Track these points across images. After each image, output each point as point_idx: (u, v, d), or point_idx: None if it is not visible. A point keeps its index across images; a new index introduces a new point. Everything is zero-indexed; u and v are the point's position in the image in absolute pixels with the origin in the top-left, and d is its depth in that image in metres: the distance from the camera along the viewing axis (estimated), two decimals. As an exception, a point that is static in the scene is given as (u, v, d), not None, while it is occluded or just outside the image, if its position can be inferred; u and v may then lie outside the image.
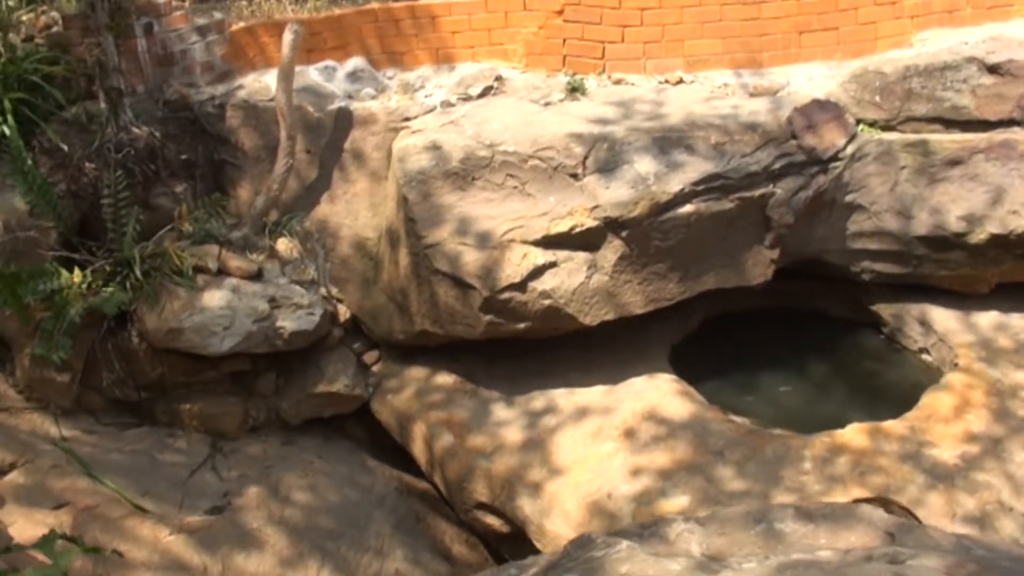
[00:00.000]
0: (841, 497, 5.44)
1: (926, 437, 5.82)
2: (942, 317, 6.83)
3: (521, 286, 5.95)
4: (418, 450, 6.46)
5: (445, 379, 6.65)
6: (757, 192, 6.10)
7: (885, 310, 7.02)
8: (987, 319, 6.81)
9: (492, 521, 6.13)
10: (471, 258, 6.01)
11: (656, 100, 6.62)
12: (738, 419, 6.22)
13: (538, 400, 6.39)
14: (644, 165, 6.02)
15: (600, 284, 6.00)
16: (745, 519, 3.59)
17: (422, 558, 6.14)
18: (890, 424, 5.93)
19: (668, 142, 6.11)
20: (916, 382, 6.54)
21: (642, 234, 5.92)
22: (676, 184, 5.94)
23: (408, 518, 6.59)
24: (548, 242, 5.99)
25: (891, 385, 6.47)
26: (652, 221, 5.91)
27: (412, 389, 6.65)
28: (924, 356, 6.86)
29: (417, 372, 6.75)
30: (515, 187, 6.13)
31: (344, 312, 6.85)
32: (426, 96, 6.96)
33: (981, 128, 6.55)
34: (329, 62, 7.30)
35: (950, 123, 6.56)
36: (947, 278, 6.80)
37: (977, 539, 3.68)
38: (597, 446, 5.99)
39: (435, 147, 6.31)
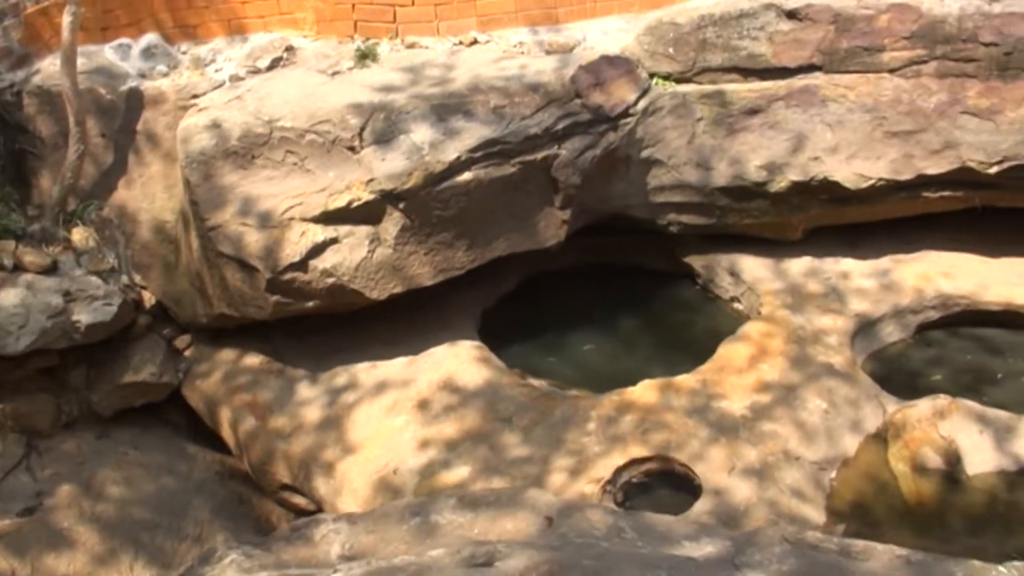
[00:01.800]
0: (620, 457, 5.42)
1: (717, 390, 5.80)
2: (752, 265, 6.79)
3: (302, 265, 5.84)
4: (226, 434, 6.40)
5: (253, 360, 6.56)
6: (540, 155, 6.00)
7: (697, 261, 6.98)
8: (799, 265, 6.78)
9: (299, 501, 6.10)
10: (253, 239, 5.90)
11: (447, 64, 6.48)
12: (536, 382, 6.17)
13: (341, 376, 6.31)
14: (421, 134, 5.89)
15: (384, 257, 5.90)
16: (402, 513, 3.53)
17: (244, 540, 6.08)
18: (682, 378, 5.90)
19: (447, 109, 5.98)
20: (727, 332, 6.46)
21: (421, 205, 5.81)
22: (452, 152, 5.82)
23: (229, 501, 6.52)
24: (328, 218, 5.87)
25: (700, 336, 6.46)
26: (429, 191, 5.80)
27: (220, 372, 6.56)
28: (736, 305, 6.83)
29: (227, 354, 6.66)
30: (295, 163, 6.00)
31: (149, 298, 6.75)
32: (216, 71, 6.79)
33: (780, 75, 6.47)
34: (124, 39, 7.09)
35: (747, 72, 6.47)
36: (755, 226, 6.75)
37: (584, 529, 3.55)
38: (391, 420, 5.94)
39: (216, 126, 6.15)
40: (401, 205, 5.79)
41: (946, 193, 6.38)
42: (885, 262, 6.72)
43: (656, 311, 6.87)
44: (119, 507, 6.01)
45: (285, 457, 5.92)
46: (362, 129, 5.93)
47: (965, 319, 6.54)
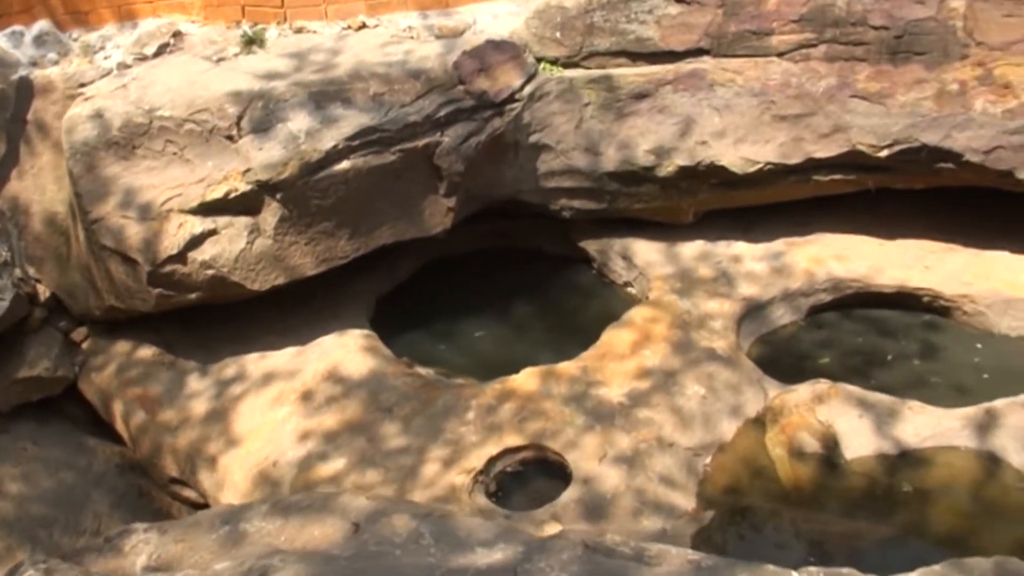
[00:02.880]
0: (494, 447, 5.42)
1: (597, 376, 5.78)
2: (644, 250, 6.76)
3: (180, 257, 5.80)
4: (120, 428, 6.37)
5: (146, 352, 6.51)
6: (421, 142, 5.95)
7: (591, 245, 6.95)
8: (691, 249, 6.75)
9: (190, 494, 6.08)
10: (133, 231, 5.85)
11: (333, 49, 6.41)
12: (423, 371, 6.14)
13: (230, 368, 6.28)
14: (298, 123, 5.83)
15: (264, 248, 5.85)
16: (212, 521, 3.51)
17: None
18: (564, 365, 5.88)
19: (325, 96, 5.92)
20: (619, 317, 6.43)
21: (299, 195, 5.76)
22: (329, 141, 5.77)
23: (129, 494, 6.50)
24: (206, 209, 5.81)
25: (592, 322, 6.40)
26: (307, 181, 5.74)
27: (114, 365, 6.52)
28: (629, 290, 6.81)
29: (122, 347, 6.61)
30: (175, 154, 5.94)
31: (44, 291, 6.67)
32: (105, 58, 6.71)
33: (668, 59, 6.41)
34: (17, 27, 7.00)
35: (635, 56, 6.41)
36: (647, 210, 6.71)
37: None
38: (274, 412, 5.91)
39: (98, 115, 6.08)
40: (279, 195, 5.74)
41: (837, 176, 6.34)
42: (778, 245, 6.69)
43: (551, 296, 6.85)
44: (17, 504, 5.97)
45: (172, 451, 5.90)
46: (240, 118, 5.86)
47: (859, 301, 6.51)
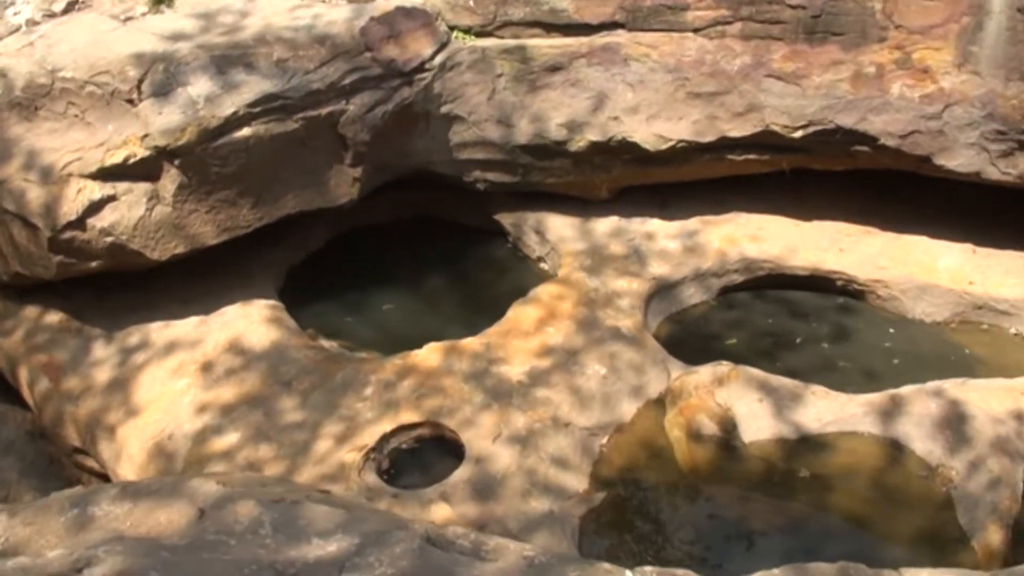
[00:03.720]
0: (389, 424, 5.37)
1: (499, 353, 5.72)
2: (558, 224, 6.69)
3: (80, 223, 5.66)
4: (26, 395, 6.26)
5: (54, 318, 6.37)
6: (324, 110, 5.83)
7: (506, 219, 6.87)
8: (605, 225, 6.68)
9: (93, 464, 5.97)
10: (34, 195, 5.70)
11: (242, 10, 6.26)
12: (327, 344, 6.07)
13: (135, 336, 6.17)
14: (199, 87, 5.70)
15: (163, 216, 5.73)
16: (62, 504, 3.43)
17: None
18: (467, 341, 5.82)
19: (228, 60, 5.78)
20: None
21: (197, 162, 5.63)
22: (229, 107, 5.64)
23: (39, 462, 6.40)
24: (105, 174, 5.68)
25: (504, 296, 6.30)
26: (206, 147, 5.62)
27: (22, 331, 6.38)
28: (542, 265, 6.74)
29: (30, 312, 6.47)
30: (76, 116, 5.80)
31: (-46, 255, 6.50)
32: (15, 14, 6.52)
33: (583, 32, 6.30)
34: (-75, -19, 6.79)
35: (550, 27, 6.29)
36: (561, 184, 6.64)
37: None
38: (174, 383, 5.82)
39: (2, 75, 5.93)
40: (177, 162, 5.62)
41: (751, 156, 6.28)
42: (693, 223, 6.63)
43: (465, 269, 6.77)
44: (-78, 471, 5.84)
45: (74, 420, 5.81)
46: (141, 81, 5.73)
47: (772, 283, 6.47)
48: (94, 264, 5.88)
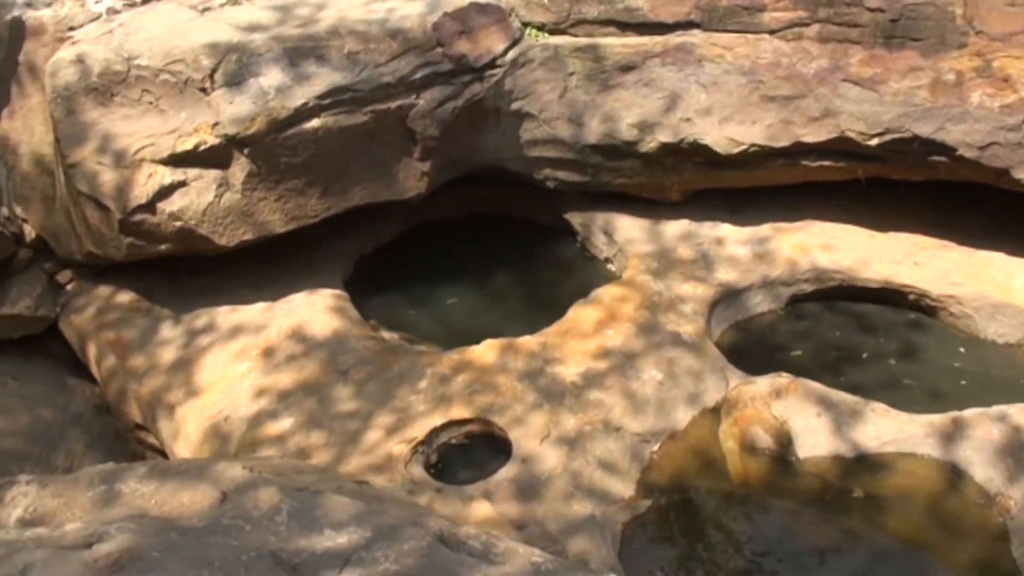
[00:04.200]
0: (439, 418, 5.37)
1: (555, 354, 5.68)
2: (627, 226, 6.61)
3: (150, 207, 5.80)
4: (94, 370, 6.44)
5: (125, 297, 6.56)
6: (394, 104, 5.86)
7: (576, 218, 6.82)
8: (675, 228, 6.58)
9: (155, 442, 6.11)
10: (107, 178, 5.87)
11: (319, 3, 6.34)
12: (388, 335, 6.10)
13: (202, 318, 6.30)
14: (271, 78, 5.78)
15: (232, 203, 5.84)
16: (91, 479, 3.51)
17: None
18: (525, 340, 5.79)
19: (300, 52, 5.86)
20: (596, 293, 6.32)
21: (266, 151, 5.72)
22: (299, 98, 5.71)
23: (105, 436, 6.59)
24: (176, 160, 5.81)
25: (568, 296, 6.25)
26: (275, 137, 5.70)
27: (94, 308, 6.58)
28: (609, 266, 6.67)
29: (103, 291, 6.67)
30: (150, 103, 5.94)
31: (30, 232, 6.74)
32: (96, 2, 6.71)
33: (658, 31, 6.22)
34: (13, -32, 7.03)
35: (624, 26, 6.22)
36: (631, 186, 6.55)
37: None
38: (235, 367, 5.92)
39: (80, 60, 6.09)
40: (246, 151, 5.71)
41: (826, 163, 6.11)
42: (765, 230, 6.49)
43: (532, 268, 6.74)
44: (-8, 437, 6.04)
45: (136, 397, 5.95)
46: (214, 70, 5.83)
47: (843, 294, 6.29)
48: (163, 247, 6.00)
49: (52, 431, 6.30)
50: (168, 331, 6.29)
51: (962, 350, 5.92)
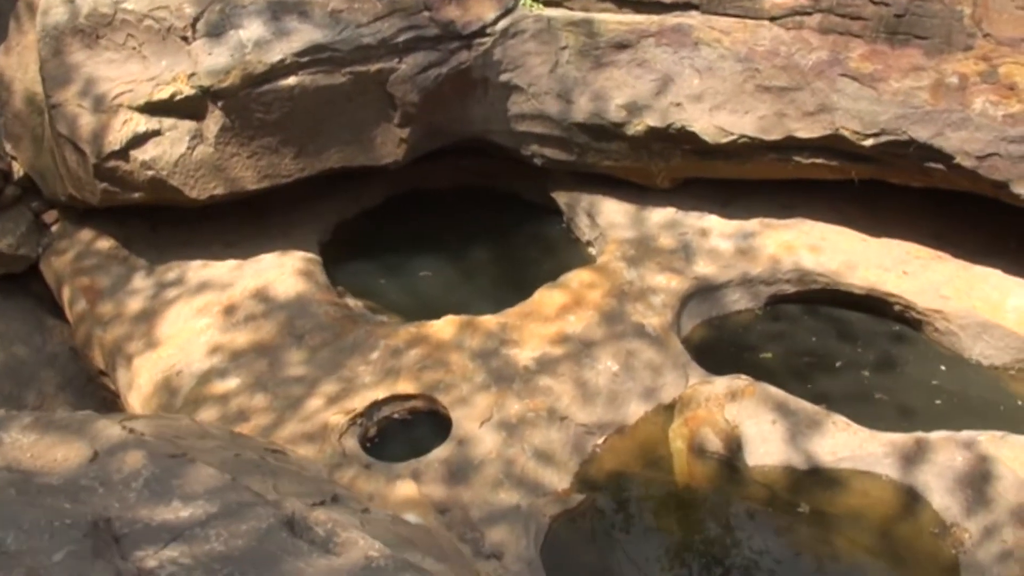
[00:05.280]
0: (384, 391, 5.27)
1: (513, 335, 5.54)
2: (611, 210, 6.42)
3: (123, 154, 5.75)
4: (67, 313, 6.43)
5: (105, 244, 6.55)
6: (374, 67, 5.72)
7: (562, 198, 6.64)
8: (660, 215, 6.38)
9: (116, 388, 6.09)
10: (85, 121, 5.83)
11: (314, -41, 6.17)
12: (352, 303, 6.00)
13: (174, 271, 6.27)
14: (251, 31, 5.67)
15: (205, 156, 5.76)
16: (-26, 429, 3.44)
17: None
18: (485, 318, 5.67)
19: (283, 7, 5.74)
20: (573, 276, 6.14)
21: (240, 106, 5.63)
22: (276, 54, 5.60)
23: (78, 378, 6.61)
24: (152, 108, 5.74)
25: (544, 277, 6.08)
26: (249, 92, 5.60)
27: (73, 252, 6.58)
28: (590, 249, 6.47)
29: (85, 235, 6.67)
30: (134, 48, 5.87)
31: (19, 169, 6.74)
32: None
33: (654, 10, 5.99)
34: (16, -95, 6.99)
35: (622, 2, 6.02)
36: (617, 169, 6.35)
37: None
38: (195, 322, 5.88)
39: (70, 1, 6.03)
40: (220, 103, 5.63)
41: (819, 160, 5.86)
42: (753, 224, 6.25)
43: (513, 245, 6.58)
44: (-37, 369, 6.07)
45: (100, 344, 5.94)
46: (196, 19, 5.74)
47: (826, 298, 6.04)
48: (136, 196, 5.96)
49: (25, 369, 6.31)
50: (140, 281, 6.27)
51: (943, 368, 5.65)
